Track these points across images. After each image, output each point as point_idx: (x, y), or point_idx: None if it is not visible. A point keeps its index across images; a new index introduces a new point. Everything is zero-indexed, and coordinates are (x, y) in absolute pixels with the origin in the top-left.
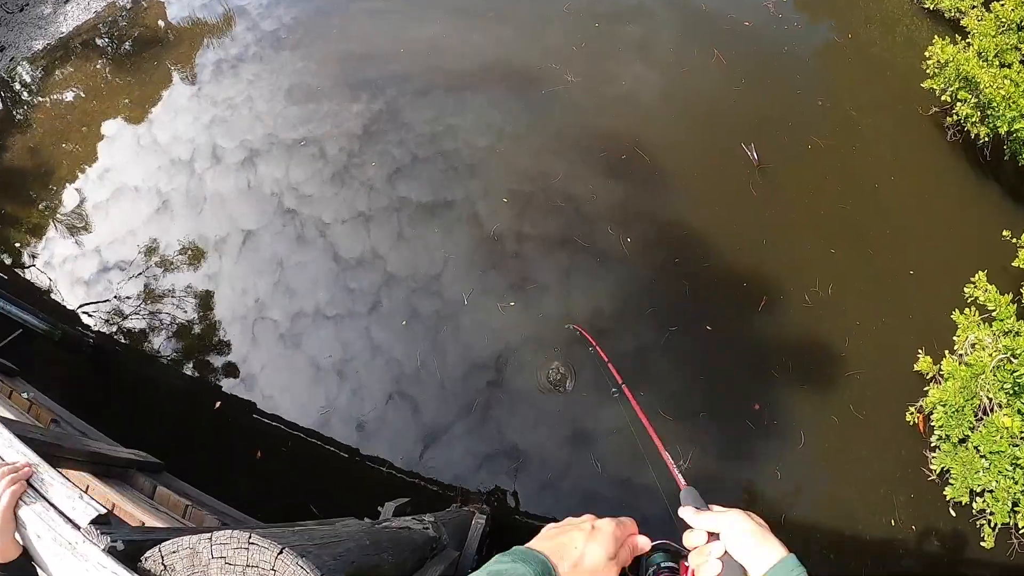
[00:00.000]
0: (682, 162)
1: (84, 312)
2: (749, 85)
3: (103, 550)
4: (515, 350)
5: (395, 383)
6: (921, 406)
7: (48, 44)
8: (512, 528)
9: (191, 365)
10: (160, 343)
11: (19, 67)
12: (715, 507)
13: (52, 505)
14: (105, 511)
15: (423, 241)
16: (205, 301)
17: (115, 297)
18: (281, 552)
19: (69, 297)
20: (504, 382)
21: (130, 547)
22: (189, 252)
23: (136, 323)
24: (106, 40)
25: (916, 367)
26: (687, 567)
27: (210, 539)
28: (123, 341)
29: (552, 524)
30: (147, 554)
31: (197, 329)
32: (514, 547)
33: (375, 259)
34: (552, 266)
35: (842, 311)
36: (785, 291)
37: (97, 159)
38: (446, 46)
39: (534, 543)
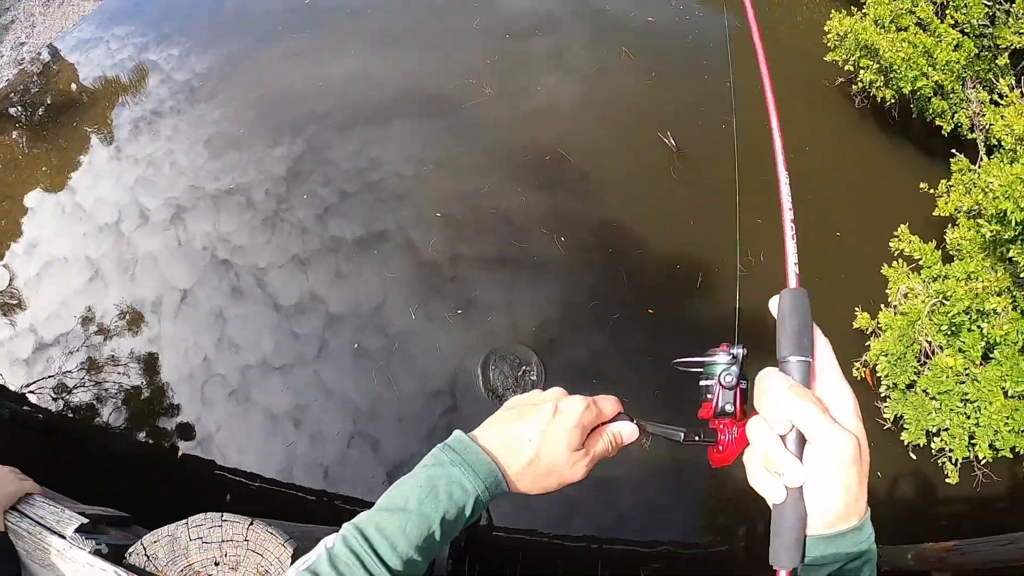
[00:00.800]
0: (604, 157)
1: (29, 391)
2: (659, 77)
3: (89, 552)
4: (467, 370)
5: (353, 423)
6: (866, 360)
7: None
8: (488, 546)
9: (145, 432)
10: (110, 412)
11: None
12: (830, 383)
13: (38, 521)
14: (88, 520)
15: (362, 277)
16: (150, 365)
17: (59, 371)
18: (252, 524)
19: (11, 377)
20: (460, 405)
21: (113, 550)
22: (127, 317)
23: (83, 395)
24: (19, 109)
25: (855, 324)
26: (742, 417)
27: (186, 524)
28: (72, 415)
29: (511, 401)
30: (131, 549)
31: (146, 394)
32: (457, 434)
33: (316, 302)
34: (493, 280)
35: (775, 276)
36: (719, 264)
37: (22, 233)
38: (362, 79)
39: (481, 434)
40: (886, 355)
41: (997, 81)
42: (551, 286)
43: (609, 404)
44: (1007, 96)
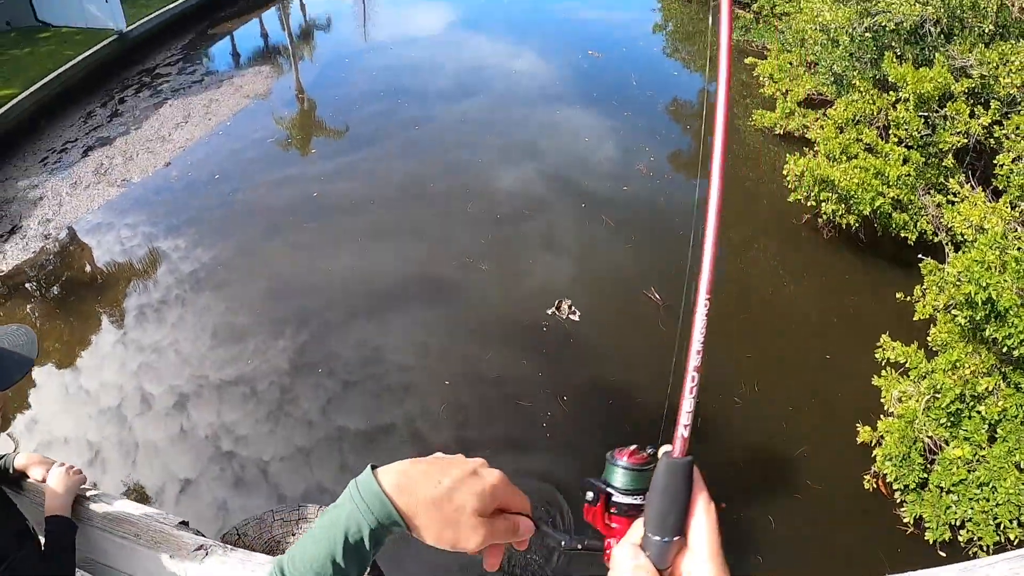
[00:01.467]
0: (597, 318)
1: None
2: (639, 239)
3: (174, 527)
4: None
5: None
6: (875, 471)
7: None
8: None
9: None
10: None
11: None
12: (696, 565)
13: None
14: (187, 520)
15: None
16: None
17: None
18: (321, 507)
19: None
20: None
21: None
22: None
23: None
24: (34, 284)
25: (859, 439)
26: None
27: (272, 511)
28: None
29: (435, 456)
30: (225, 532)
31: None
32: (366, 471)
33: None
34: (502, 442)
35: (772, 402)
36: (716, 402)
37: (28, 408)
38: (362, 270)
39: (386, 469)
40: (891, 459)
41: (948, 182)
42: (560, 447)
43: (520, 497)
44: (960, 192)
